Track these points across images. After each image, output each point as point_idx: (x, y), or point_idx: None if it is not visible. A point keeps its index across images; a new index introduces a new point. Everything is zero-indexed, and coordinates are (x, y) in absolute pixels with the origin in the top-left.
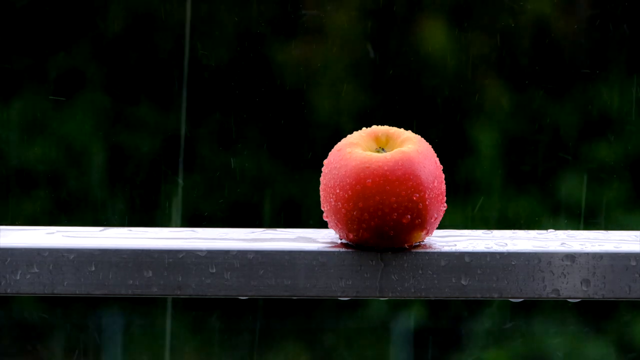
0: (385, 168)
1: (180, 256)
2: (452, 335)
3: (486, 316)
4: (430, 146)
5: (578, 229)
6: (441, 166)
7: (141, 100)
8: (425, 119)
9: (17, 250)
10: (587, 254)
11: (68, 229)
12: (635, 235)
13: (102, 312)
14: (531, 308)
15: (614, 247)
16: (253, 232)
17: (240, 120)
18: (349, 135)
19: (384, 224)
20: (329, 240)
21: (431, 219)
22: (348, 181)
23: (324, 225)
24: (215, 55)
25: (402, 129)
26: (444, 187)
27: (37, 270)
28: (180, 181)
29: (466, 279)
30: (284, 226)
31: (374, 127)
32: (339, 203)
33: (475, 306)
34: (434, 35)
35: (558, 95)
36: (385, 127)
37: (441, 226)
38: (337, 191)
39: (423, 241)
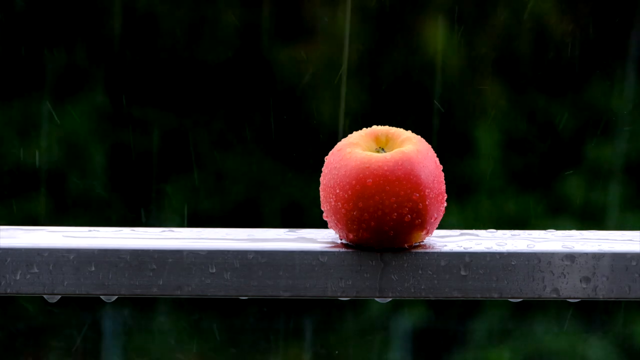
0: (385, 168)
1: (180, 256)
2: (452, 335)
3: (486, 316)
4: (430, 146)
5: (578, 229)
6: (441, 166)
7: (141, 99)
8: (425, 120)
9: (17, 250)
10: (587, 254)
11: (68, 229)
12: (635, 235)
13: (102, 312)
14: (531, 308)
15: (614, 247)
16: (253, 232)
17: (240, 120)
18: (349, 135)
19: (384, 224)
20: (329, 240)
21: (431, 219)
22: (348, 181)
23: (324, 225)
24: (215, 54)
25: (402, 129)
26: (444, 187)
27: (37, 270)
28: (180, 181)
29: (466, 280)
30: (284, 226)
31: (374, 127)
32: (339, 203)
33: (475, 306)
34: (434, 36)
35: (558, 95)
36: (385, 127)
37: (441, 226)
38: (337, 191)
39: (423, 241)
